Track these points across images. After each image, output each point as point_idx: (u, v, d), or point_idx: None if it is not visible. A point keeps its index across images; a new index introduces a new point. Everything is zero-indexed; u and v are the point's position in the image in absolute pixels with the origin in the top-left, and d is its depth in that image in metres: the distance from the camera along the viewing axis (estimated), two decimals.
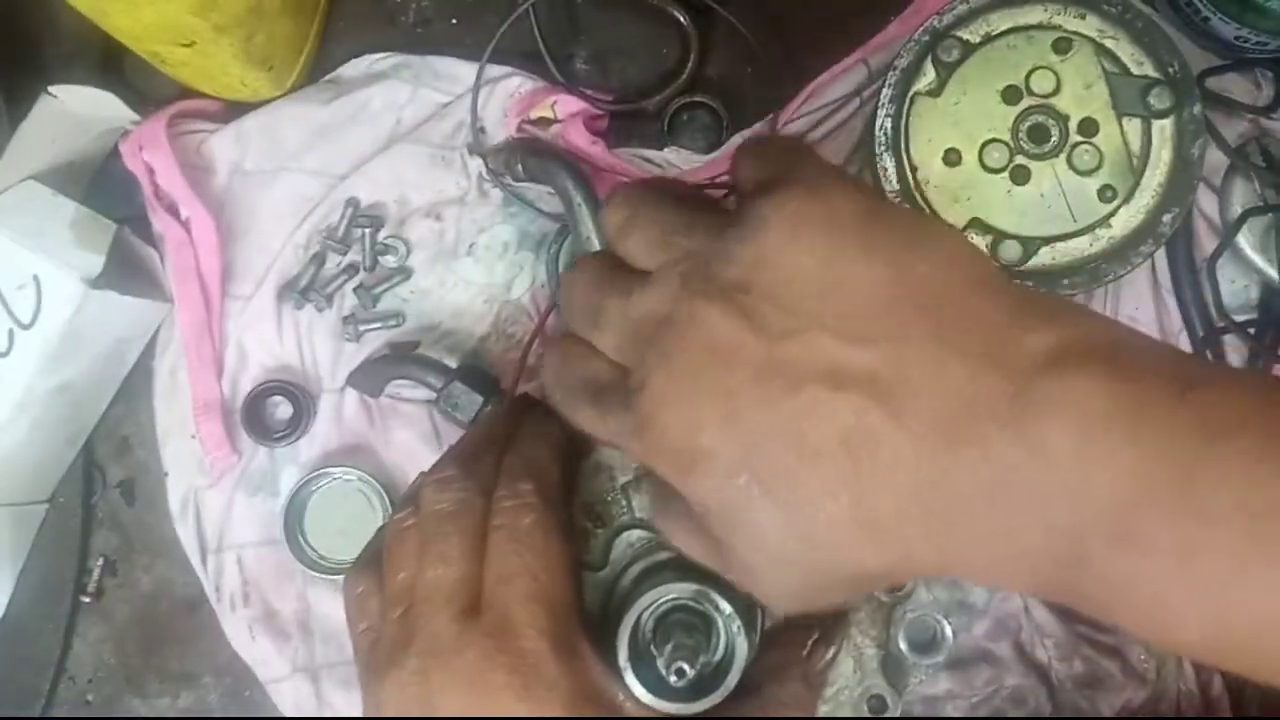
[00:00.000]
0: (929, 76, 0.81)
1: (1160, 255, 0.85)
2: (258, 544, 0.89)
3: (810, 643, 0.63)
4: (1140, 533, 0.41)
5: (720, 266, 0.48)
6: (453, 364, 0.86)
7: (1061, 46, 0.80)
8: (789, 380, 0.45)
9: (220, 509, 0.89)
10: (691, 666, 0.57)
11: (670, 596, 0.61)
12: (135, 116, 0.89)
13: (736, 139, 0.89)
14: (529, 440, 0.63)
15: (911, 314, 0.45)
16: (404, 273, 0.89)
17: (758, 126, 0.88)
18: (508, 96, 0.88)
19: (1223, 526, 0.40)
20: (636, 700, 0.58)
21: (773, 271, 0.46)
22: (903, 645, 0.66)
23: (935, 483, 0.44)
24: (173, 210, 0.88)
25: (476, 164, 0.89)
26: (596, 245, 0.81)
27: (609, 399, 0.51)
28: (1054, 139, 0.80)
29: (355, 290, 0.89)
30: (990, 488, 0.43)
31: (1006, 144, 0.81)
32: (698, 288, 0.48)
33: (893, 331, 0.45)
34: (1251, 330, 0.85)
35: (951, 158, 0.81)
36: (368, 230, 0.88)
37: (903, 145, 0.82)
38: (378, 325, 0.89)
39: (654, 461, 0.49)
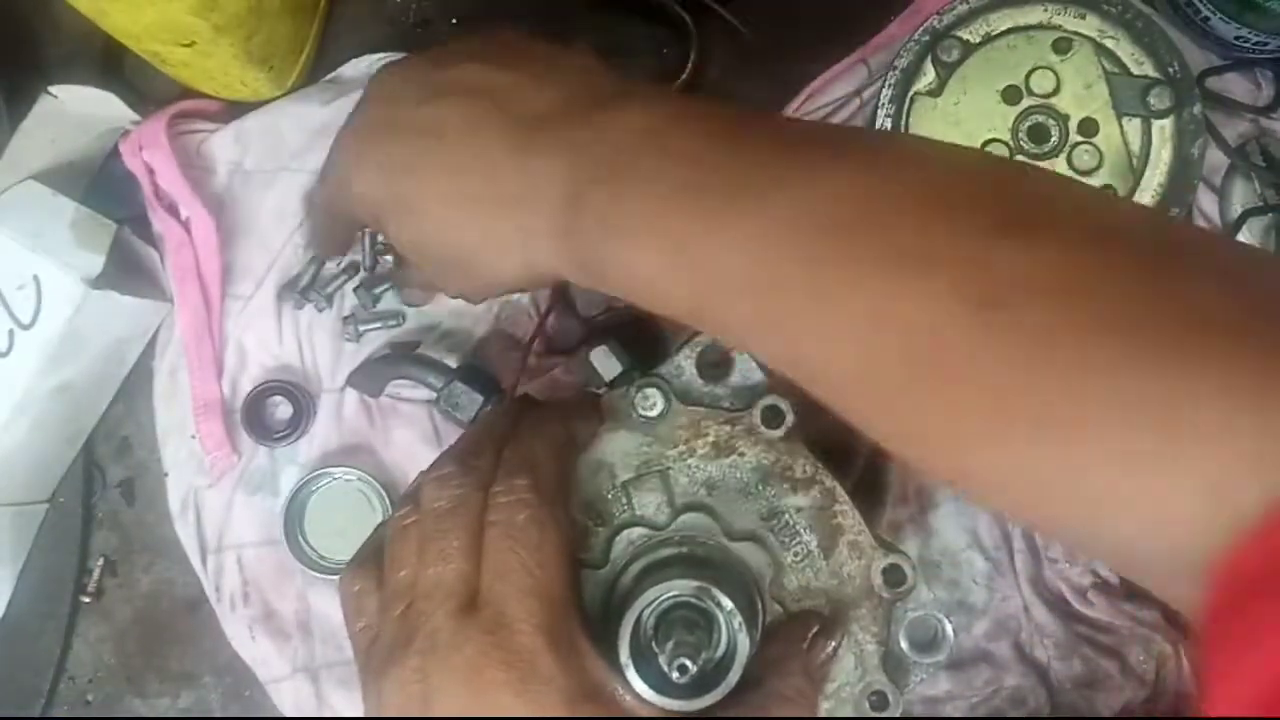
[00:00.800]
0: (929, 76, 0.81)
1: None
2: (258, 544, 0.89)
3: (811, 636, 0.63)
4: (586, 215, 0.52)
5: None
6: (453, 364, 0.86)
7: (1061, 46, 0.80)
8: (439, 92, 0.59)
9: (220, 509, 0.89)
10: (693, 663, 0.57)
11: (671, 593, 0.61)
12: (135, 116, 0.89)
13: None
14: (527, 436, 0.63)
15: (535, 57, 0.61)
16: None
17: None
18: None
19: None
20: (637, 696, 0.58)
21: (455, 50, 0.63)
22: (904, 644, 0.66)
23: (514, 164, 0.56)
24: (173, 210, 0.88)
25: None
26: None
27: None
28: (1054, 139, 0.80)
29: (355, 290, 0.89)
30: (519, 173, 0.55)
31: (1007, 144, 0.81)
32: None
33: (520, 66, 0.60)
34: None
35: None
36: (367, 230, 0.88)
37: None
38: (378, 325, 0.89)
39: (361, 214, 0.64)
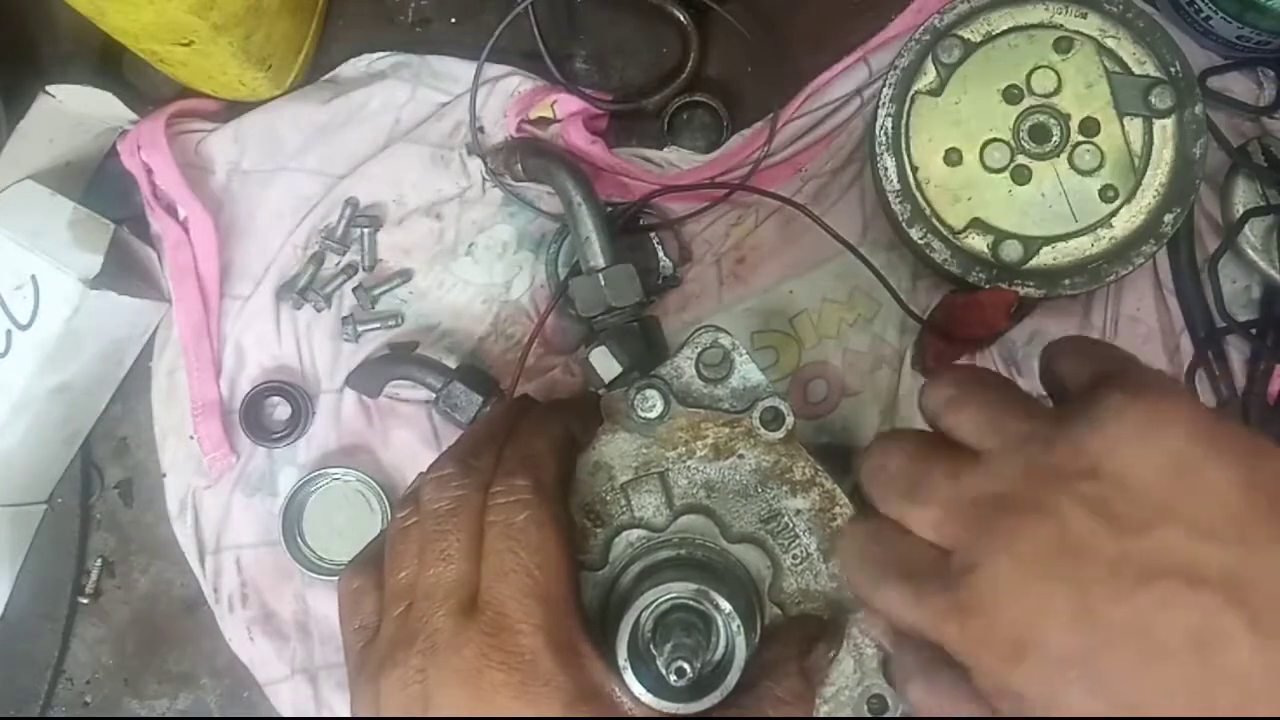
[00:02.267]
0: (930, 76, 0.81)
1: (1162, 255, 0.85)
2: (256, 545, 0.89)
3: (809, 639, 0.63)
4: None
5: (1067, 454, 0.47)
6: (452, 364, 0.86)
7: (1063, 46, 0.80)
8: (1141, 574, 0.44)
9: (218, 510, 0.89)
10: (691, 666, 0.57)
11: (670, 596, 0.60)
12: (133, 116, 0.89)
13: (736, 139, 0.89)
14: (526, 436, 0.62)
15: (1266, 516, 0.45)
16: (404, 275, 0.89)
17: (758, 126, 0.88)
18: (507, 96, 0.88)
19: None
20: (636, 699, 0.57)
21: (1123, 464, 0.46)
22: None
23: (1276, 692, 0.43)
24: (171, 210, 0.88)
25: (475, 164, 0.88)
26: (596, 245, 0.81)
27: (925, 580, 0.49)
28: (1055, 138, 0.80)
29: (354, 291, 0.89)
30: None
31: (1007, 143, 0.81)
32: (1044, 474, 0.47)
33: (1248, 533, 0.44)
34: (1253, 330, 0.85)
35: (952, 157, 0.81)
36: (366, 230, 0.88)
37: (903, 145, 0.81)
38: (377, 325, 0.89)
39: (974, 646, 0.47)
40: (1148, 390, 0.47)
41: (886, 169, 0.81)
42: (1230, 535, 0.44)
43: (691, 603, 0.60)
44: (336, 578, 0.87)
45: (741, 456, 0.66)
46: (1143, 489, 0.45)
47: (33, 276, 0.82)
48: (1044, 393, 0.56)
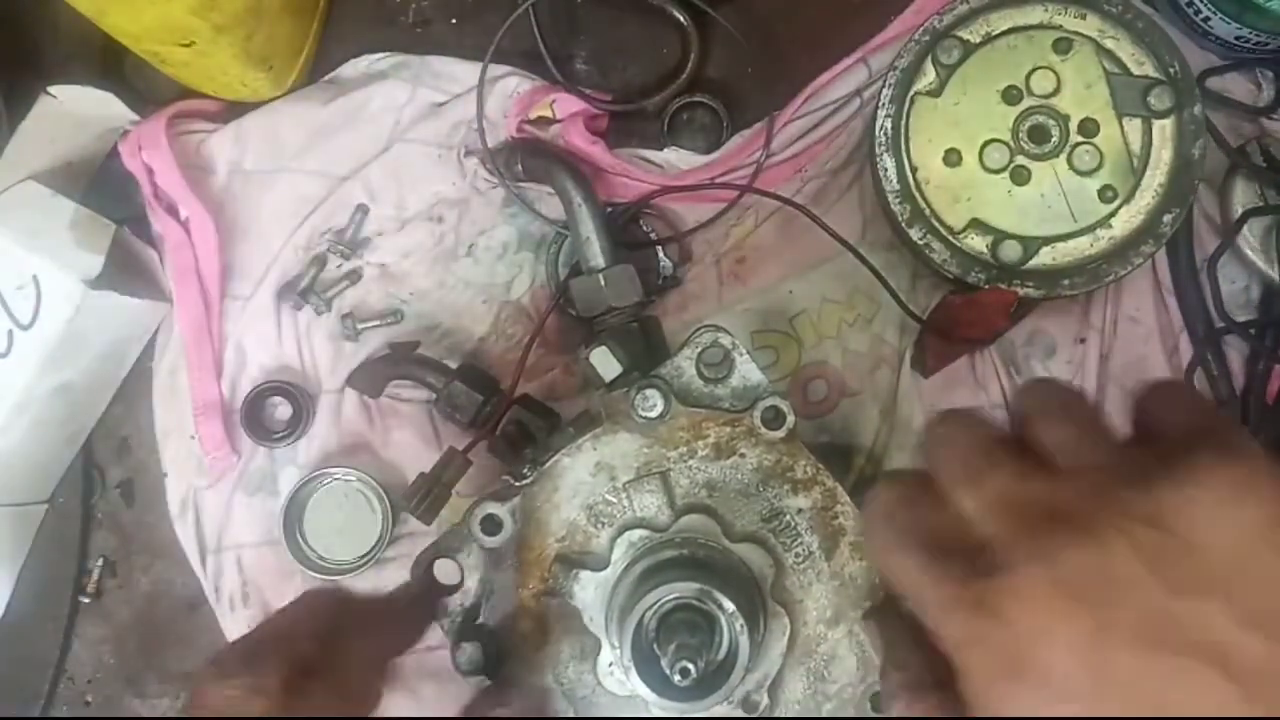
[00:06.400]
0: (929, 76, 0.81)
1: (1161, 255, 0.85)
2: (257, 544, 0.89)
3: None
4: None
5: (1139, 495, 0.45)
6: (453, 364, 0.86)
7: (1062, 46, 0.80)
8: (1171, 638, 0.43)
9: (219, 509, 0.89)
10: (696, 665, 0.57)
11: (673, 596, 0.60)
12: (134, 116, 0.89)
13: (737, 139, 0.89)
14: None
15: None
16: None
17: (757, 126, 0.88)
18: (506, 96, 0.88)
19: None
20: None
21: (1192, 524, 0.44)
22: None
23: None
24: (172, 210, 0.88)
25: (475, 164, 0.89)
26: (596, 245, 0.81)
27: (949, 560, 0.48)
28: (1054, 139, 0.80)
29: (343, 319, 0.89)
30: None
31: (1007, 144, 0.81)
32: (1109, 505, 0.45)
33: None
34: (1252, 330, 0.85)
35: (952, 158, 0.81)
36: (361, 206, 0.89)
37: (903, 145, 0.82)
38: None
39: (974, 647, 0.46)
40: (1242, 458, 0.45)
41: (886, 169, 0.82)
42: (1275, 630, 0.42)
43: (695, 602, 0.60)
44: (337, 577, 0.87)
45: (743, 456, 0.66)
46: (1204, 555, 0.43)
47: (34, 277, 0.82)
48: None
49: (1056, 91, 0.80)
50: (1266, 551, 0.43)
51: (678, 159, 0.89)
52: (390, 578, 0.88)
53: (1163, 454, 0.47)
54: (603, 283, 0.80)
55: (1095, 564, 0.44)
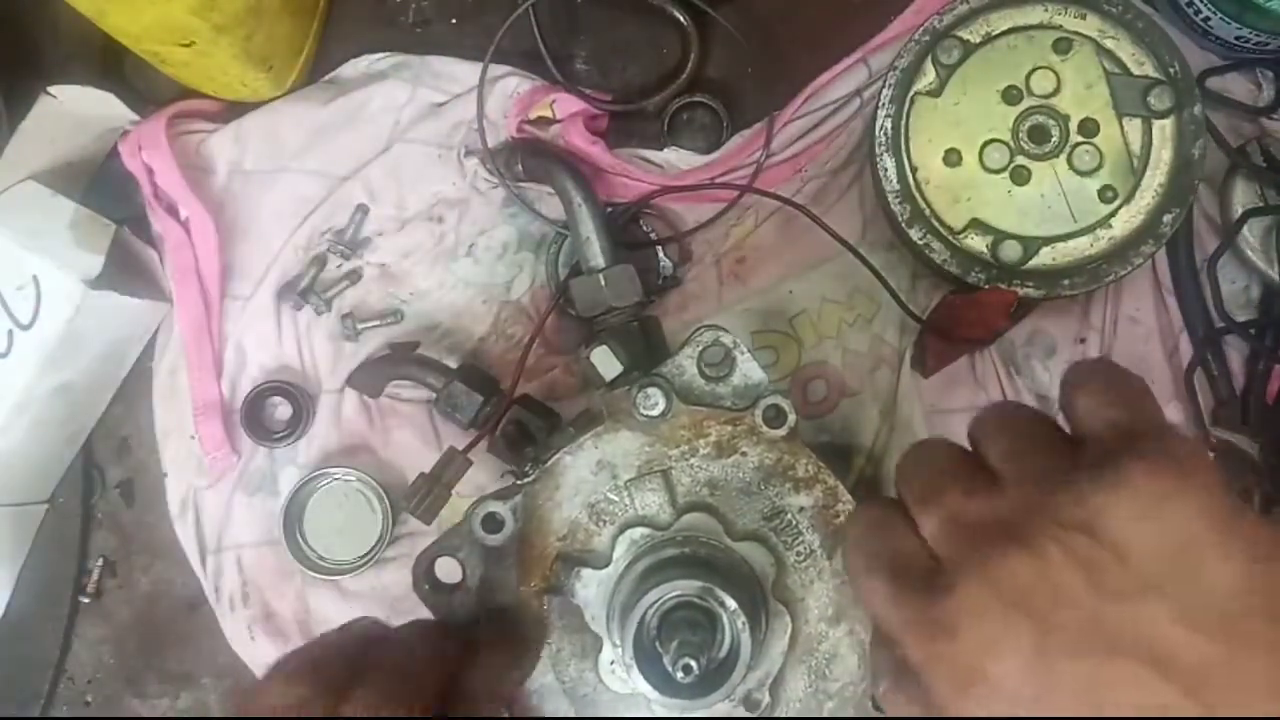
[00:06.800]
0: (929, 76, 0.81)
1: (1161, 255, 0.85)
2: (257, 544, 0.89)
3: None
4: None
5: (1070, 504, 0.46)
6: (453, 364, 0.86)
7: (1062, 46, 0.80)
8: (1109, 641, 0.43)
9: (219, 509, 0.89)
10: (698, 663, 0.57)
11: (675, 593, 0.60)
12: (135, 116, 0.89)
13: (737, 139, 0.89)
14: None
15: (1259, 619, 0.43)
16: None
17: (757, 126, 0.88)
18: (505, 96, 0.88)
19: None
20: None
21: (1123, 532, 0.45)
22: None
23: None
24: (172, 210, 0.88)
25: (475, 164, 0.89)
26: (596, 245, 0.81)
27: (910, 584, 0.49)
28: (1054, 139, 0.80)
29: (343, 319, 0.89)
30: None
31: (1007, 144, 0.81)
32: (1042, 514, 0.46)
33: (1234, 631, 0.43)
34: (1252, 330, 0.85)
35: (952, 158, 0.81)
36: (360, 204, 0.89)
37: (903, 145, 0.82)
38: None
39: (932, 662, 0.47)
40: (1170, 465, 0.45)
41: (886, 169, 0.82)
42: (1215, 630, 0.43)
43: (696, 600, 0.60)
44: (337, 577, 0.87)
45: (744, 454, 0.66)
46: (1138, 560, 0.44)
47: (34, 277, 0.82)
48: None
49: (1056, 91, 0.80)
50: (1195, 550, 0.44)
51: (678, 159, 0.89)
52: (390, 578, 0.88)
53: (1094, 457, 0.48)
54: (603, 283, 0.80)
55: (1034, 575, 0.45)
